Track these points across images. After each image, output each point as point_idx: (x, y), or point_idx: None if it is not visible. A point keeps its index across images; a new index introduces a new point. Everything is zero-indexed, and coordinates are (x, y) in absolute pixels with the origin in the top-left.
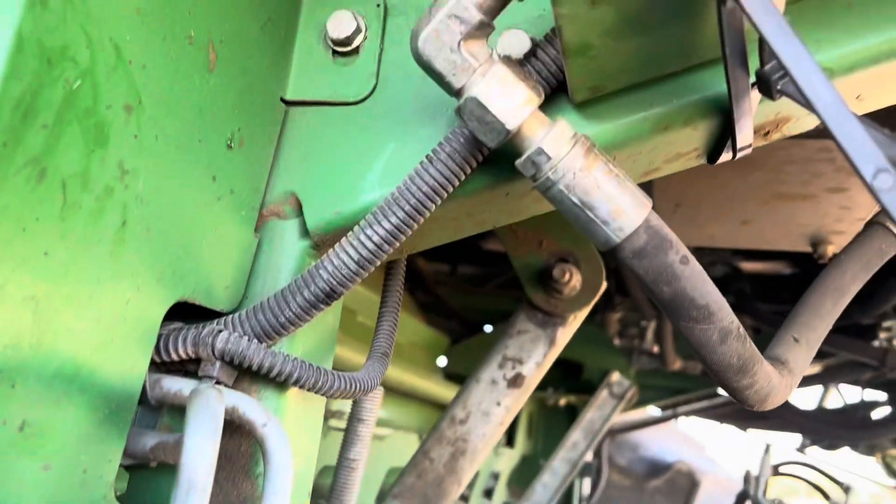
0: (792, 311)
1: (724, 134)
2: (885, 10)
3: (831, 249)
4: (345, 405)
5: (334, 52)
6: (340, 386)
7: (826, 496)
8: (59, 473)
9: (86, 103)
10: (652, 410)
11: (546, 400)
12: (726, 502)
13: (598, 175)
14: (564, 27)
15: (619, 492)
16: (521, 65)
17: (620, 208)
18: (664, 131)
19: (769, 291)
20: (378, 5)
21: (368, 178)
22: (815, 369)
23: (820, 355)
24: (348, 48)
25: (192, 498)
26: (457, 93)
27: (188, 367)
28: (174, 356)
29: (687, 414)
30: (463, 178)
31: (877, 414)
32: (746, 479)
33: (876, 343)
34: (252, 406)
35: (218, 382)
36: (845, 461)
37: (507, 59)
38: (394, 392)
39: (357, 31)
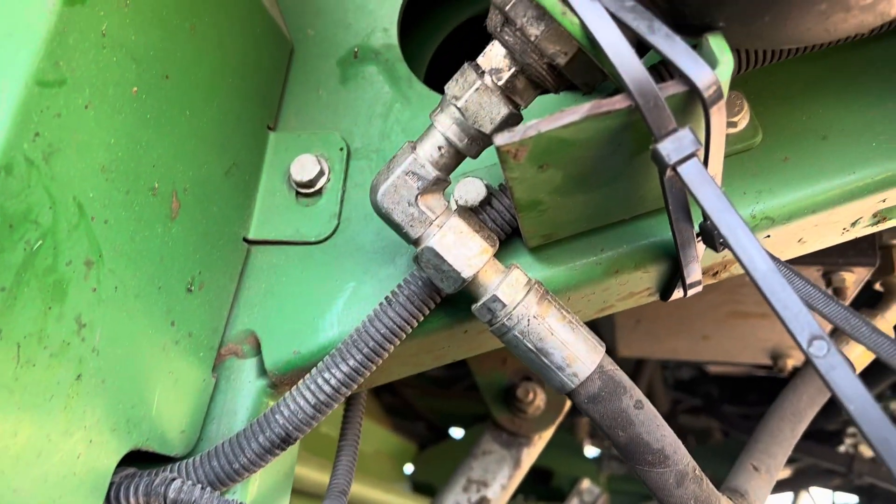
0: (751, 437)
1: (674, 275)
2: (818, 165)
3: (791, 363)
4: None
5: (298, 193)
6: None
7: None
8: None
9: (46, 262)
10: None
11: None
12: None
13: (551, 321)
14: (514, 188)
15: None
16: (476, 212)
17: (574, 354)
18: (616, 274)
19: (736, 394)
20: (341, 149)
21: (328, 318)
22: (786, 474)
23: (789, 460)
24: (311, 190)
25: None
26: (414, 242)
27: None
28: None
29: None
30: (421, 318)
31: None
32: None
33: (842, 448)
34: None
35: None
36: None
37: (463, 210)
38: None
39: (320, 173)
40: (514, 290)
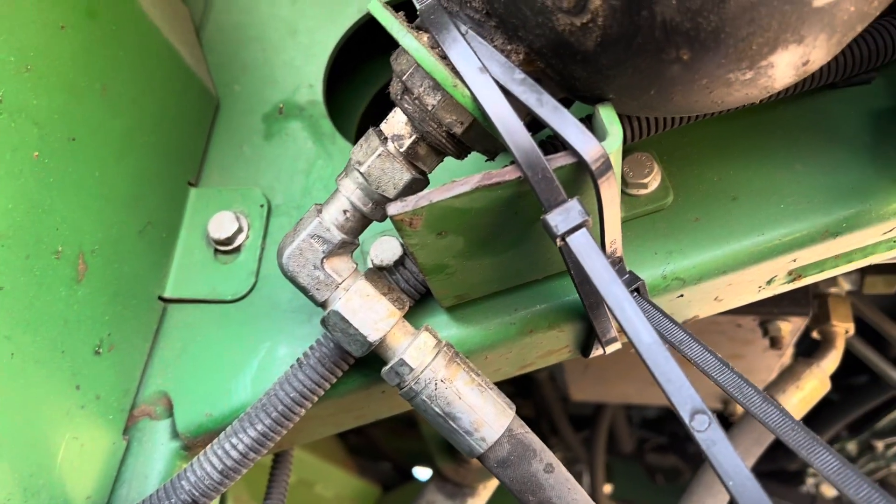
0: (686, 490)
1: (591, 333)
2: (728, 225)
3: (740, 409)
4: None
5: (216, 250)
6: None
7: None
8: None
9: None
10: None
11: None
12: None
13: (459, 385)
14: (416, 254)
15: None
16: (390, 272)
17: (482, 419)
18: (530, 334)
19: None
20: (262, 205)
21: (241, 379)
22: None
23: None
24: (229, 247)
25: None
26: (321, 305)
27: None
28: None
29: None
30: (334, 381)
31: None
32: None
33: (803, 489)
34: None
35: None
36: None
37: (371, 272)
38: None
39: (238, 230)
40: (422, 353)
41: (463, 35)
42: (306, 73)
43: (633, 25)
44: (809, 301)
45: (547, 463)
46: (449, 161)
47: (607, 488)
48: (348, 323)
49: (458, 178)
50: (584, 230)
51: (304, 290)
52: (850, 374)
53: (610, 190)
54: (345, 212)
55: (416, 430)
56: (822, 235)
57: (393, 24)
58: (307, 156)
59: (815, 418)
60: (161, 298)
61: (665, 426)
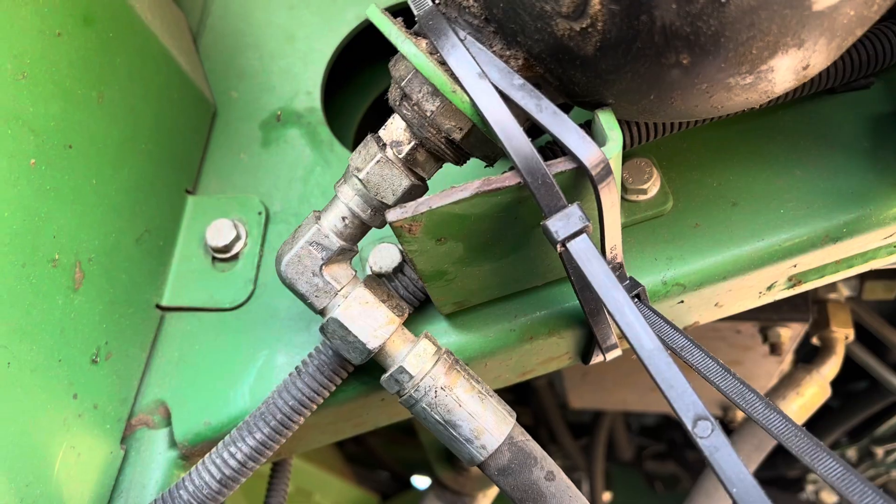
0: (686, 498)
1: (591, 339)
2: (728, 231)
3: (740, 415)
4: None
5: (214, 258)
6: None
7: None
8: None
9: None
10: None
11: None
12: None
13: (459, 392)
14: (415, 260)
15: None
16: (389, 279)
17: (482, 427)
18: (530, 340)
19: None
20: (260, 213)
21: (239, 388)
22: None
23: None
24: (227, 255)
25: None
26: (320, 312)
27: None
28: None
29: None
30: (333, 389)
31: None
32: None
33: (803, 496)
34: None
35: None
36: None
37: (371, 279)
38: None
39: (236, 238)
40: (422, 360)
41: (462, 41)
42: (304, 80)
43: (632, 30)
44: (809, 307)
45: (548, 471)
46: (448, 167)
47: (606, 496)
48: (347, 330)
49: (457, 185)
50: (584, 236)
51: (302, 297)
52: (849, 381)
53: (610, 195)
54: (343, 218)
55: (415, 439)
56: (823, 240)
57: (391, 29)
58: (305, 163)
59: (815, 425)
60: (158, 307)
61: (664, 433)
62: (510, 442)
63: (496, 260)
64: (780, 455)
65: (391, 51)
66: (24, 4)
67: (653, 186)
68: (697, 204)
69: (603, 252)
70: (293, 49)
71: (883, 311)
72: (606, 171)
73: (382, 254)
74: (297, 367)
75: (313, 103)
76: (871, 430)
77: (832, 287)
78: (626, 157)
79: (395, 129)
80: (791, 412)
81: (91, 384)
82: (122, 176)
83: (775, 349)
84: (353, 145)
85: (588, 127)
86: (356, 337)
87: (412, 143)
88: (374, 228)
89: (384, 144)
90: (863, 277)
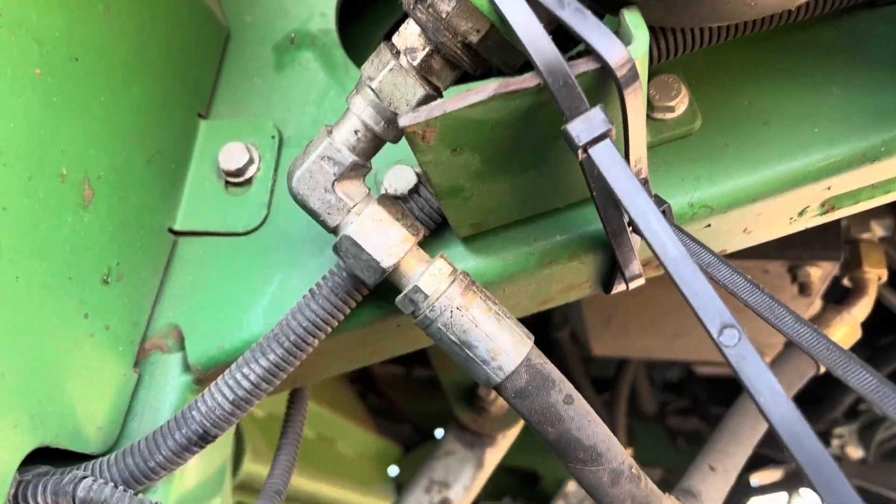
0: (710, 436)
1: (613, 266)
2: (759, 151)
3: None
4: None
5: (227, 182)
6: None
7: None
8: None
9: None
10: None
11: None
12: None
13: (475, 313)
14: (430, 173)
15: None
16: (405, 201)
17: (499, 347)
18: (550, 265)
19: (725, 395)
20: (273, 137)
21: (253, 312)
22: (778, 475)
23: (780, 462)
24: (240, 179)
25: None
26: (333, 231)
27: None
28: None
29: None
30: (347, 312)
31: None
32: None
33: (829, 450)
34: None
35: None
36: None
37: (384, 198)
38: None
39: (249, 162)
40: (437, 280)
41: None
42: (319, 1)
43: None
44: (841, 246)
45: (566, 394)
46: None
47: (628, 451)
48: (360, 248)
49: (473, 88)
50: (607, 141)
51: (315, 214)
52: (876, 335)
53: (636, 101)
54: (356, 132)
55: (437, 392)
56: (859, 160)
57: None
58: (319, 86)
59: (825, 402)
60: (171, 231)
61: (687, 389)
62: (527, 364)
63: (514, 176)
64: (805, 408)
65: None
66: None
67: (681, 104)
68: (727, 123)
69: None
70: None
71: None
72: (633, 75)
73: (398, 175)
74: (310, 290)
75: (328, 24)
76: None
77: (866, 226)
78: (653, 73)
79: (408, 34)
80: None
81: (102, 304)
82: (132, 95)
83: (804, 289)
84: None
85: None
86: (370, 255)
87: (427, 50)
88: (388, 147)
89: (398, 52)
90: None
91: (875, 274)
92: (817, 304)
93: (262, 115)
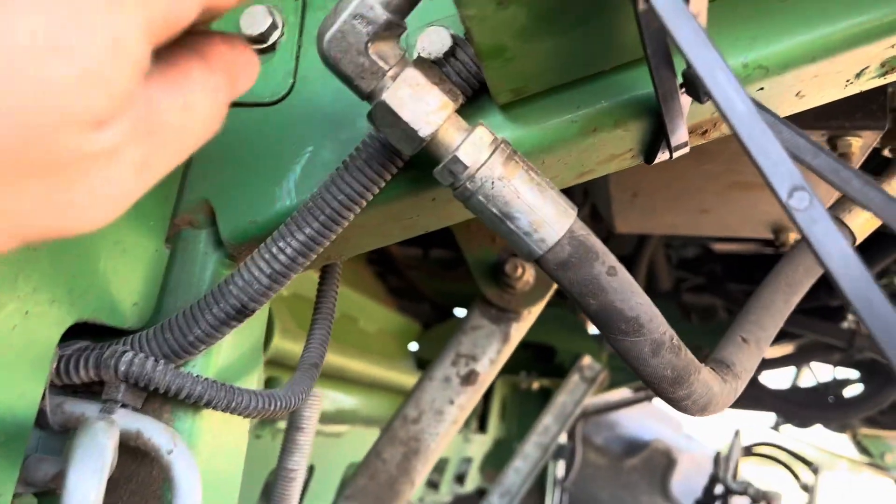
0: (743, 308)
1: (658, 134)
2: (820, 6)
3: (792, 236)
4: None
5: None
6: (258, 406)
7: (797, 476)
8: None
9: None
10: (625, 392)
11: (519, 384)
12: (703, 481)
13: (517, 184)
14: (473, 29)
15: (595, 471)
16: (440, 65)
17: (542, 219)
18: (593, 133)
19: (741, 272)
20: None
21: (284, 185)
22: (788, 350)
23: (792, 336)
24: (264, 45)
25: None
26: (367, 97)
27: (95, 389)
28: (76, 379)
29: None
30: (382, 184)
31: (849, 392)
32: (717, 461)
33: (844, 324)
34: (158, 431)
35: (124, 406)
36: (819, 438)
37: (420, 61)
38: (359, 384)
39: (273, 26)
40: (478, 149)
41: None
42: None
43: None
44: (886, 115)
45: (610, 266)
46: None
47: None
48: (397, 116)
49: None
50: None
51: (347, 79)
52: None
53: None
54: None
55: (455, 273)
56: None
57: None
58: None
59: (870, 248)
60: None
61: (703, 266)
62: (570, 235)
63: (561, 34)
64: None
65: None
66: None
67: None
68: None
69: None
70: None
71: None
72: None
73: (432, 37)
74: (343, 161)
75: None
76: None
77: None
78: None
79: None
80: (858, 224)
81: None
82: None
83: (844, 159)
84: None
85: None
86: (406, 123)
87: None
88: (421, 8)
89: None
90: None
91: None
92: None
93: None
